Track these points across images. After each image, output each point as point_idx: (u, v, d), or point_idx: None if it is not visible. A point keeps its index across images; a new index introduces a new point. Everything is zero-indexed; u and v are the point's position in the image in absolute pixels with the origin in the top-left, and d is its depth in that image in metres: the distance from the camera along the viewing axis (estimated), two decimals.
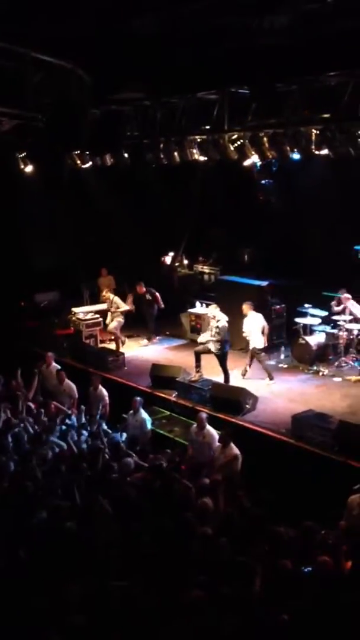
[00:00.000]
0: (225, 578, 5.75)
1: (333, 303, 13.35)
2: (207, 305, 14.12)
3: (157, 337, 15.93)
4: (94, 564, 6.06)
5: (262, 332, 12.56)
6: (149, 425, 10.73)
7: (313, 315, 13.42)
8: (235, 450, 9.04)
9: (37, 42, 9.90)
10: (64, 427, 10.13)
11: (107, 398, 11.66)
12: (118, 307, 14.99)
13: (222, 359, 12.34)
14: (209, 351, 12.37)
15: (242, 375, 12.71)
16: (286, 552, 6.23)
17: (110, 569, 5.96)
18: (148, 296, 15.37)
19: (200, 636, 4.99)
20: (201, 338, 12.69)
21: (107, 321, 15.26)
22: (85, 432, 10.15)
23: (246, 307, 12.66)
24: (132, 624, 5.18)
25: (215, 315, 12.29)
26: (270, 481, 8.73)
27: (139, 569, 5.97)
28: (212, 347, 12.23)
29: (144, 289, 15.41)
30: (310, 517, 6.97)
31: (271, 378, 12.49)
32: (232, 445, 9.08)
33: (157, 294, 15.46)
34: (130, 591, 5.51)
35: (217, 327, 12.14)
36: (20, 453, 9.01)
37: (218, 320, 12.19)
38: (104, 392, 11.73)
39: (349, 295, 13.21)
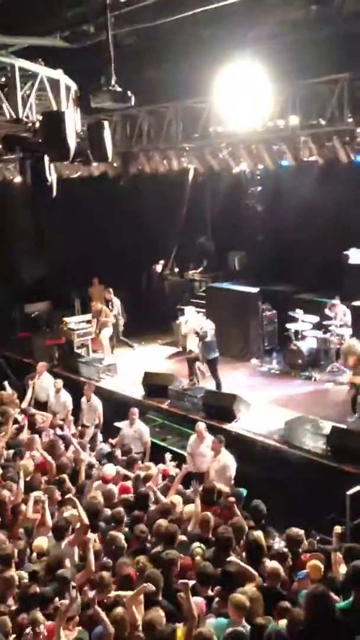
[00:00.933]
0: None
1: (326, 309, 13.36)
2: (197, 312, 14.13)
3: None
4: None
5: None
6: (147, 436, 10.66)
7: (304, 321, 13.43)
8: (229, 458, 8.95)
9: (24, 52, 9.90)
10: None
11: (100, 408, 11.62)
12: (107, 316, 14.85)
13: (212, 366, 12.32)
14: (200, 359, 12.38)
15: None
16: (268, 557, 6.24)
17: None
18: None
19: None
20: (190, 346, 12.67)
21: (95, 330, 15.16)
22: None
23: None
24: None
25: (200, 324, 12.28)
26: (264, 487, 8.69)
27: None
28: (201, 354, 12.23)
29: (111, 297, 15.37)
30: (304, 523, 6.96)
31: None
32: (225, 452, 9.01)
33: (116, 303, 15.35)
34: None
35: (205, 334, 12.12)
36: None
37: (202, 328, 12.17)
38: (97, 401, 11.70)
39: (336, 302, 13.21)
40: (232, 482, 8.80)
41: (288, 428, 10.26)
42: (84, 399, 11.73)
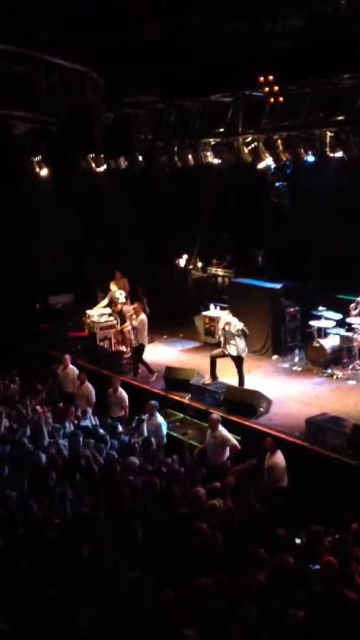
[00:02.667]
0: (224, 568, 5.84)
1: (352, 306, 13.25)
2: (222, 309, 14.08)
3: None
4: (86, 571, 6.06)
5: None
6: (164, 430, 10.73)
7: (327, 318, 13.35)
8: (279, 460, 8.98)
9: (50, 46, 9.96)
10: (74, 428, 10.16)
11: (127, 400, 11.71)
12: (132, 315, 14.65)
13: (239, 362, 12.30)
14: (225, 355, 12.32)
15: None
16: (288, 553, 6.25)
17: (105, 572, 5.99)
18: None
19: (214, 623, 5.03)
20: (228, 347, 12.43)
21: (119, 325, 15.17)
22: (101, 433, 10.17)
23: None
24: (145, 618, 5.20)
25: (229, 321, 12.24)
26: (276, 486, 8.70)
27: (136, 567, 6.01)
28: (232, 350, 12.18)
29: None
30: (324, 521, 6.94)
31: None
32: (278, 452, 9.04)
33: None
34: (139, 585, 5.56)
35: (237, 330, 12.08)
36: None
37: (233, 325, 12.14)
38: (124, 394, 11.79)
39: None
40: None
41: (309, 425, 10.22)
42: (110, 391, 11.82)
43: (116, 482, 8.08)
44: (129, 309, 14.58)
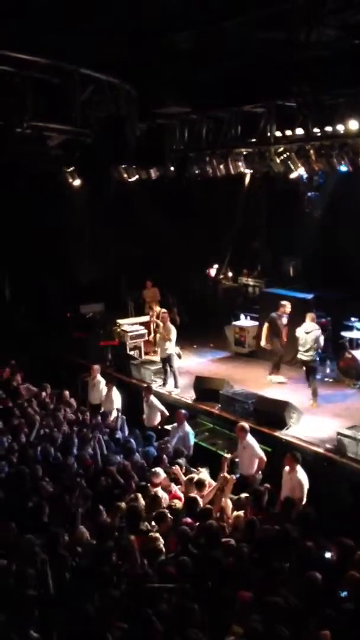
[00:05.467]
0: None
1: None
2: (252, 319, 13.94)
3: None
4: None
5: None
6: (192, 439, 10.71)
7: (359, 329, 13.20)
8: (302, 475, 8.68)
9: (84, 59, 10.10)
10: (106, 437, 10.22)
11: (158, 408, 11.80)
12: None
13: (312, 371, 12.13)
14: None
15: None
16: (315, 568, 6.16)
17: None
18: None
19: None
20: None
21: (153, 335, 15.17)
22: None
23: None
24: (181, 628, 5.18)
25: (308, 329, 12.04)
26: (314, 496, 8.59)
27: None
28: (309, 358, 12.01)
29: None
30: (354, 535, 6.84)
31: None
32: (299, 468, 8.72)
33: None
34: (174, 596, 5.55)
35: (314, 338, 11.90)
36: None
37: (310, 332, 11.95)
38: (157, 402, 11.88)
39: None
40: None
41: (340, 438, 10.09)
42: (144, 400, 11.91)
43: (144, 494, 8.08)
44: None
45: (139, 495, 7.90)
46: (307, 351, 11.97)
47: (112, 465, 9.07)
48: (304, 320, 12.25)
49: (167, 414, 11.72)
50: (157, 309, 15.32)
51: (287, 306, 13.14)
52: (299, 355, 12.16)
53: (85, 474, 8.81)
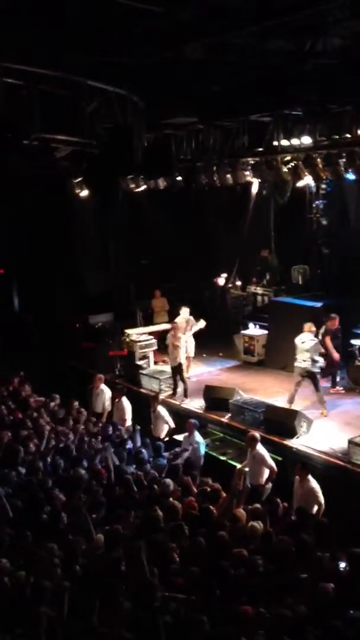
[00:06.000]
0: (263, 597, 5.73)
1: None
2: (261, 327, 13.92)
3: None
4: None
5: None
6: (202, 449, 10.67)
7: None
8: (314, 483, 8.70)
9: (91, 69, 10.16)
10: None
11: (166, 418, 11.78)
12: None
13: (313, 379, 11.91)
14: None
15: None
16: (329, 578, 6.11)
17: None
18: None
19: None
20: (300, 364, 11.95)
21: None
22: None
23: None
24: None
25: (303, 339, 11.85)
26: (326, 506, 8.53)
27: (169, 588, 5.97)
28: (313, 367, 11.79)
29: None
30: None
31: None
32: (311, 477, 8.74)
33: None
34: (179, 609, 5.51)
35: (308, 348, 11.70)
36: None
37: (305, 342, 11.77)
38: (164, 412, 11.85)
39: None
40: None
41: (352, 446, 10.03)
42: (152, 410, 11.88)
43: (155, 504, 8.06)
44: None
45: (156, 506, 7.88)
46: (304, 360, 11.76)
47: (126, 475, 9.06)
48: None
49: (173, 426, 11.67)
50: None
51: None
52: (296, 364, 11.93)
53: (98, 484, 8.80)
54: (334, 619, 5.48)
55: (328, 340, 12.63)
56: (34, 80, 9.81)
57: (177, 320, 14.15)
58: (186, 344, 13.76)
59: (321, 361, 11.89)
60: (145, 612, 5.58)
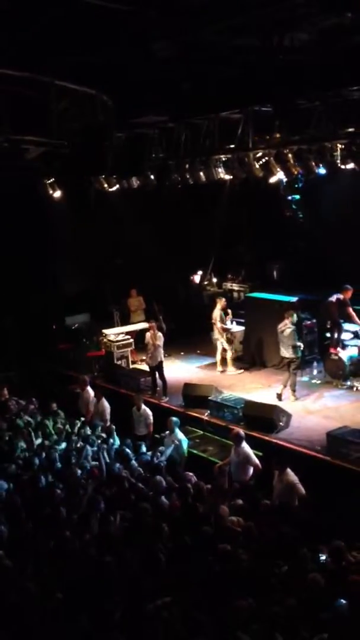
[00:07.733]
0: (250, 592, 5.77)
1: None
2: (238, 324, 14.03)
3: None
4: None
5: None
6: (185, 447, 10.67)
7: (345, 330, 13.25)
8: (293, 476, 8.72)
9: (60, 69, 10.09)
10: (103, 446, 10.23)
11: (151, 417, 11.71)
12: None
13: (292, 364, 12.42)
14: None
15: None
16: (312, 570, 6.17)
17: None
18: None
19: None
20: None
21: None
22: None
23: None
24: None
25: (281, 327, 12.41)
26: (306, 499, 8.59)
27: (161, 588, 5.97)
28: (294, 353, 12.34)
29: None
30: (349, 536, 6.85)
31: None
32: (289, 471, 8.77)
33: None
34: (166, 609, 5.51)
35: (287, 335, 12.27)
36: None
37: (283, 331, 12.33)
38: (148, 411, 11.82)
39: None
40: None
41: (330, 439, 10.12)
42: (134, 409, 11.83)
43: (142, 502, 8.06)
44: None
45: (146, 504, 7.88)
46: (285, 349, 12.39)
47: (117, 475, 9.08)
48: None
49: (152, 429, 11.65)
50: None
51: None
52: (281, 354, 12.57)
53: (92, 484, 8.80)
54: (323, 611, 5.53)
55: (350, 310, 13.04)
56: (1, 81, 9.72)
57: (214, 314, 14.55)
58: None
59: (301, 346, 12.54)
60: (138, 614, 5.57)
